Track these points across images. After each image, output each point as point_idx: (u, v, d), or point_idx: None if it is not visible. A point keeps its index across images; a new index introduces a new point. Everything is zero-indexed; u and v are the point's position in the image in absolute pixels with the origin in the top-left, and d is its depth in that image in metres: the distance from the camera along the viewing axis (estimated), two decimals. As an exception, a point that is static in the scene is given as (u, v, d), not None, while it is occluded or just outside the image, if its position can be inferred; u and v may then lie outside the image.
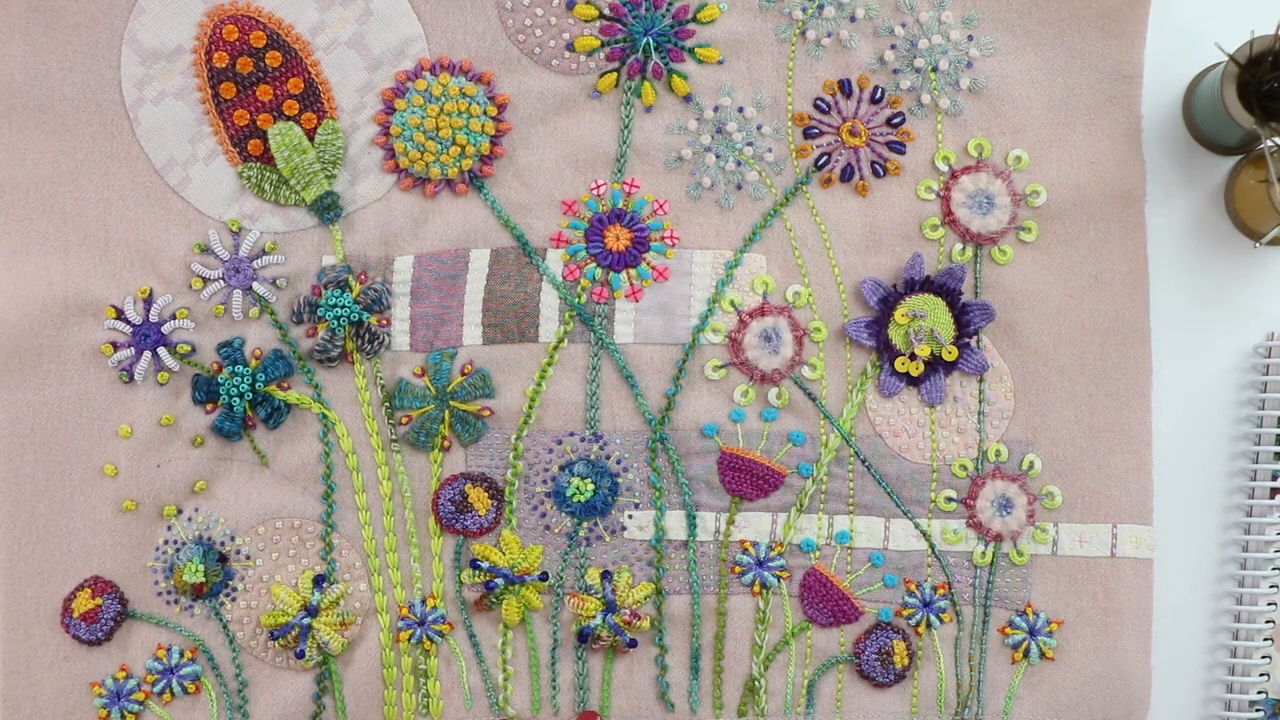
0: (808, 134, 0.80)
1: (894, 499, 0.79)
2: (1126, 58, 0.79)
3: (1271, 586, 0.79)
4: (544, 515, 0.80)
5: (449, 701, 0.80)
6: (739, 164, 0.79)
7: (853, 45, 0.79)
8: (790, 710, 0.79)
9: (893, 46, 0.79)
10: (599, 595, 0.79)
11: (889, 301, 0.79)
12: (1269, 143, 0.73)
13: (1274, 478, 0.79)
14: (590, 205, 0.79)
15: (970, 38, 0.79)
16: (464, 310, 0.79)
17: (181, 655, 0.79)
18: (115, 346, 0.78)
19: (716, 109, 0.79)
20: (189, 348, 0.79)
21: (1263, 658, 0.79)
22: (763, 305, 0.79)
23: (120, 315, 0.78)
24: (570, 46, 0.79)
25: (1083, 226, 0.79)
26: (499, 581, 0.79)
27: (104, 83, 0.78)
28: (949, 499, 0.79)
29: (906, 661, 0.79)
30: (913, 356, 0.79)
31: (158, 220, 0.79)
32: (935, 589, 0.79)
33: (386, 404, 0.80)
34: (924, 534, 0.79)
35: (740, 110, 0.79)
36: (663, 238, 0.79)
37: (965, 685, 0.79)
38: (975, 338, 0.79)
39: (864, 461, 0.79)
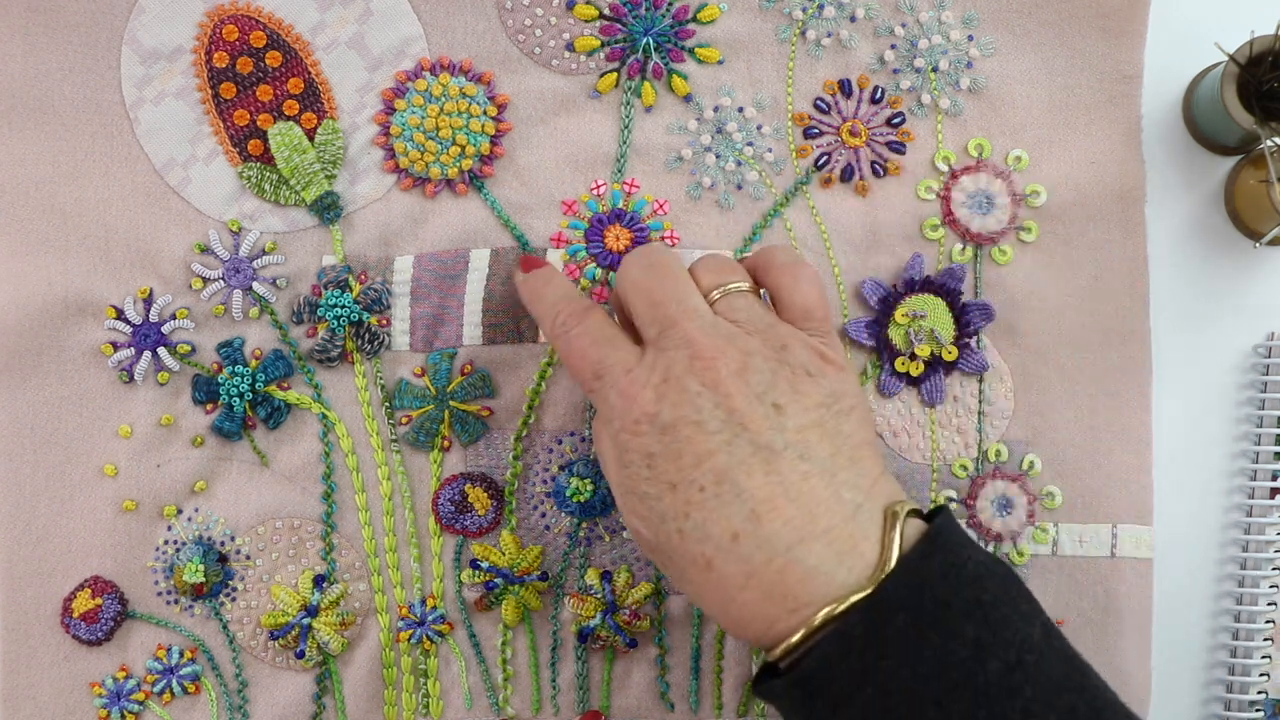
0: (808, 134, 0.80)
1: (894, 499, 0.79)
2: (1126, 58, 0.79)
3: (1271, 586, 0.79)
4: (544, 515, 0.80)
5: (449, 701, 0.80)
6: (739, 164, 0.79)
7: (853, 45, 0.79)
8: (790, 710, 0.79)
9: (893, 46, 0.79)
10: (599, 595, 0.79)
11: (889, 301, 0.79)
12: (1269, 143, 0.73)
13: (1274, 478, 0.79)
14: (590, 205, 0.79)
15: (970, 38, 0.79)
16: (464, 310, 0.79)
17: (181, 655, 0.79)
18: (115, 346, 0.78)
19: (716, 109, 0.79)
20: (189, 348, 0.79)
21: (1263, 658, 0.79)
22: (763, 305, 0.79)
23: (120, 315, 0.78)
24: (570, 46, 0.79)
25: (1083, 226, 0.79)
26: (499, 581, 0.79)
27: (104, 83, 0.78)
28: (949, 499, 0.79)
29: (906, 661, 0.79)
30: (913, 356, 0.79)
31: (158, 220, 0.79)
32: (935, 589, 0.79)
33: (386, 404, 0.80)
34: (924, 534, 0.79)
35: (740, 110, 0.79)
36: (663, 238, 0.79)
37: (965, 685, 0.79)
38: (975, 338, 0.79)
39: (864, 461, 0.79)
